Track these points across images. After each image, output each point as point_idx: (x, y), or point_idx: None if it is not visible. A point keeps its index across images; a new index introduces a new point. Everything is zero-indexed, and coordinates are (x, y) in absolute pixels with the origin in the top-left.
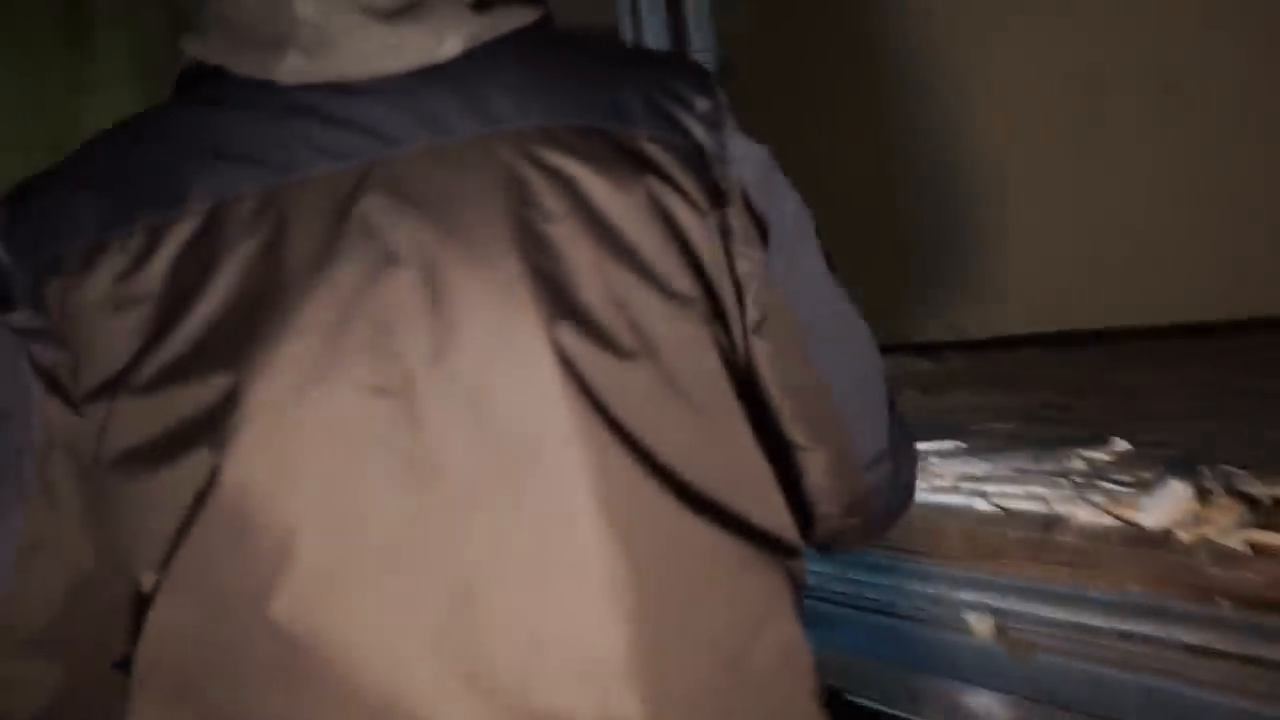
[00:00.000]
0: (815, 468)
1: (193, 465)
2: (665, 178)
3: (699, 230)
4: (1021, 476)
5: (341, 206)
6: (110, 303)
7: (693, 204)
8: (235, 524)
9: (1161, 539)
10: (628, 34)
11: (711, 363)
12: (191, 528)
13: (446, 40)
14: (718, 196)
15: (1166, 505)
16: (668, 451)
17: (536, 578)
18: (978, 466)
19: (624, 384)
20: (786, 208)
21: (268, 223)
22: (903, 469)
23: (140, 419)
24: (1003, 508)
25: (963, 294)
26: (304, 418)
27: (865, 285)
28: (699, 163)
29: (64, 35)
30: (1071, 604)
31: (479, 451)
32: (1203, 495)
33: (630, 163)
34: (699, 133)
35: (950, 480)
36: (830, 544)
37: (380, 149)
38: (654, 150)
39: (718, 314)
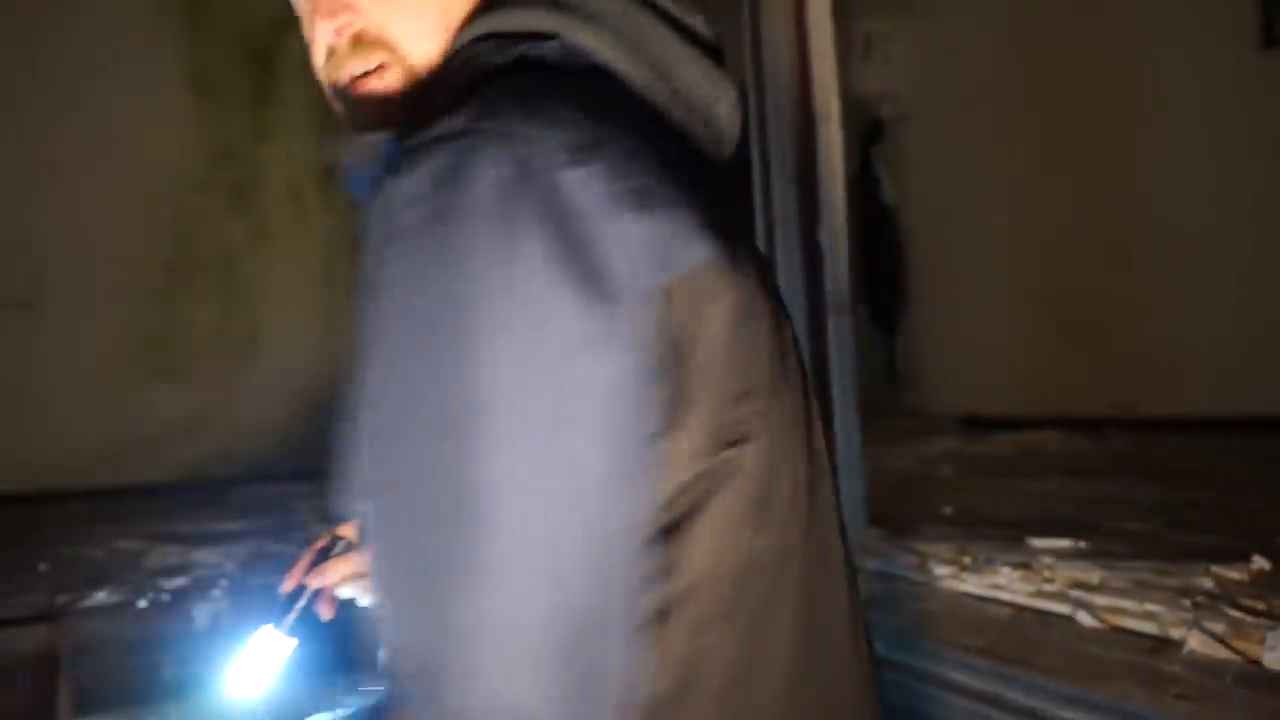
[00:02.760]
0: None
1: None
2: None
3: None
4: (1138, 590)
5: (758, 286)
6: (731, 332)
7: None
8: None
9: None
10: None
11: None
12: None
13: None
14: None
15: None
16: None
17: None
18: (1093, 573)
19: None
20: None
21: (755, 285)
22: None
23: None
24: (1108, 624)
25: (1132, 367)
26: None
27: (1023, 350)
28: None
29: (251, 89)
30: None
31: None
32: None
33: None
34: None
35: (1059, 585)
36: None
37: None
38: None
39: None
